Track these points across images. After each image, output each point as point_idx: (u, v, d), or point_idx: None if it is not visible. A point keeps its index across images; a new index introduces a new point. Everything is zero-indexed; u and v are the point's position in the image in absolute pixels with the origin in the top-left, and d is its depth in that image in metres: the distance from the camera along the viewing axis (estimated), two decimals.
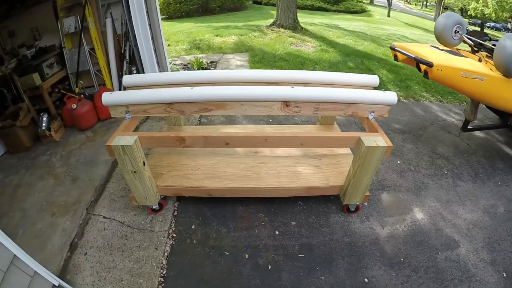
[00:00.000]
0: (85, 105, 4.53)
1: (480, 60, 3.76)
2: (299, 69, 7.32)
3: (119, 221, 3.09)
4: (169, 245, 2.87)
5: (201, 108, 2.63)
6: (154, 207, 3.10)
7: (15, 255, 1.95)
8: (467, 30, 4.13)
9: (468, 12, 36.58)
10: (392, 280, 2.65)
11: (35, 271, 2.10)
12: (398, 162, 4.12)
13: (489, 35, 4.16)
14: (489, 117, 5.40)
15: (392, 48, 4.04)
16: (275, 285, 2.58)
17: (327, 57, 8.48)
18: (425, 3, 61.07)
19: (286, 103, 2.56)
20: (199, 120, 4.96)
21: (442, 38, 4.14)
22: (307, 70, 7.23)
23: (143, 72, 5.01)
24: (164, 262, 2.71)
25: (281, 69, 7.20)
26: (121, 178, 3.60)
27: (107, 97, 2.63)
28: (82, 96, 4.75)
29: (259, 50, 8.94)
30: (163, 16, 20.70)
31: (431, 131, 4.95)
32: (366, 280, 2.64)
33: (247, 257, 2.79)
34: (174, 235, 2.98)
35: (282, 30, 11.47)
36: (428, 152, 4.38)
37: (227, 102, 2.58)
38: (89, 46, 5.07)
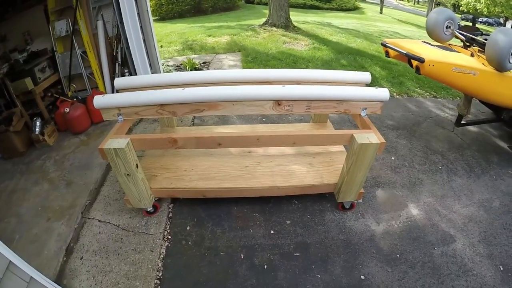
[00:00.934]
0: (78, 108, 4.51)
1: (472, 55, 3.77)
2: (292, 68, 7.31)
3: (114, 224, 3.08)
4: (164, 247, 2.86)
5: (193, 109, 2.62)
6: (148, 210, 3.09)
7: (10, 261, 1.94)
8: (459, 25, 4.14)
9: (461, 7, 36.61)
10: (389, 276, 2.65)
11: (31, 277, 2.09)
12: (392, 158, 4.13)
13: (481, 30, 4.17)
14: (483, 112, 5.41)
15: (384, 45, 4.04)
16: (271, 284, 2.58)
17: (319, 55, 8.48)
18: None
19: (278, 102, 2.56)
20: (193, 121, 4.95)
21: (433, 34, 4.15)
22: (300, 68, 7.23)
23: (136, 74, 4.99)
24: (160, 264, 2.70)
25: (274, 68, 7.20)
26: (115, 181, 3.58)
27: (99, 100, 2.62)
28: (75, 99, 4.72)
29: (252, 49, 8.93)
30: (155, 17, 20.68)
31: (425, 127, 4.97)
32: (362, 277, 2.65)
33: (242, 257, 2.79)
34: (169, 237, 2.97)
35: (274, 29, 11.46)
36: (422, 147, 4.39)
37: (218, 103, 2.57)
38: (81, 49, 5.04)
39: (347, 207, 3.24)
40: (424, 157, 4.19)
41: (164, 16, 21.82)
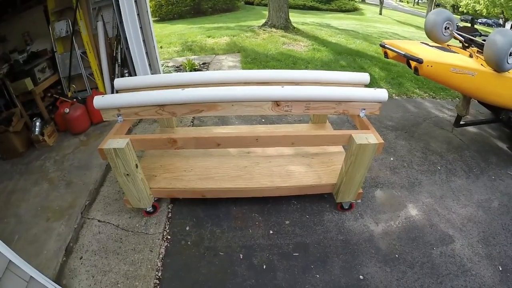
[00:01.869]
0: (78, 109, 4.52)
1: (471, 56, 3.78)
2: (291, 69, 7.32)
3: (113, 225, 3.09)
4: (163, 247, 2.87)
5: (192, 110, 2.63)
6: (148, 210, 3.10)
7: (10, 260, 1.95)
8: (457, 26, 4.15)
9: (460, 8, 36.67)
10: (388, 276, 2.66)
11: (31, 276, 2.10)
12: (391, 159, 4.14)
13: (479, 31, 4.18)
14: (482, 112, 5.42)
15: (382, 46, 4.05)
16: (270, 284, 2.58)
17: (319, 56, 8.50)
18: (417, 0, 61.16)
19: (277, 102, 2.57)
20: (192, 122, 4.96)
21: (432, 35, 4.16)
22: (299, 69, 7.24)
23: (135, 75, 5.00)
24: (159, 264, 2.71)
25: (274, 69, 7.20)
26: (115, 181, 3.59)
27: (98, 101, 2.63)
28: (74, 100, 4.73)
29: (251, 50, 8.94)
30: (155, 18, 20.68)
31: (424, 128, 4.97)
32: (361, 277, 2.65)
33: (241, 257, 2.80)
34: (169, 237, 2.98)
35: (274, 30, 11.46)
36: (421, 148, 4.40)
37: (218, 103, 2.58)
38: (81, 49, 5.05)
39: (346, 207, 3.24)
40: (423, 157, 4.20)
41: (163, 17, 21.82)
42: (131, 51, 4.87)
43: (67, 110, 4.40)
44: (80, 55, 5.06)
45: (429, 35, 4.20)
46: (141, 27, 4.92)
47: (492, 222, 3.24)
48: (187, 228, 3.07)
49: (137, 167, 2.69)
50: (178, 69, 7.46)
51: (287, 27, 11.68)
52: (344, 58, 8.45)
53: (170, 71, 7.26)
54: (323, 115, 3.91)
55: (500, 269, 2.75)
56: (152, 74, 5.31)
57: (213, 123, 4.98)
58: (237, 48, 9.22)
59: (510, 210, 3.39)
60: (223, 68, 7.61)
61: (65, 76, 5.12)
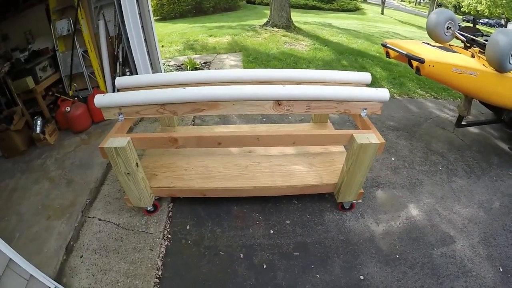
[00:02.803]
0: (79, 107, 4.52)
1: (473, 56, 3.77)
2: (293, 68, 7.31)
3: (114, 223, 3.09)
4: (164, 246, 2.87)
5: (193, 109, 2.63)
6: (148, 209, 3.10)
7: (10, 258, 1.95)
8: (459, 26, 4.14)
9: (462, 8, 36.58)
10: (388, 277, 2.65)
11: (31, 275, 2.10)
12: (393, 159, 4.13)
13: (481, 31, 4.17)
14: (483, 113, 5.41)
15: (384, 45, 4.04)
16: (270, 284, 2.58)
17: (320, 56, 8.49)
18: (419, 0, 61.05)
19: (278, 102, 2.57)
20: (193, 121, 4.96)
21: (434, 35, 4.15)
22: (301, 69, 7.23)
23: (137, 74, 5.00)
24: (160, 263, 2.71)
25: (275, 68, 7.20)
26: (115, 180, 3.59)
27: (99, 99, 2.63)
28: (76, 98, 4.73)
29: (253, 49, 8.93)
30: (156, 17, 20.67)
31: (425, 128, 4.97)
32: (361, 277, 2.65)
33: (242, 256, 2.79)
34: (169, 236, 2.98)
35: (275, 29, 11.46)
36: (423, 148, 4.39)
37: (219, 102, 2.58)
38: (82, 48, 5.05)
39: (347, 207, 3.24)
40: (424, 157, 4.19)
41: (165, 16, 21.85)
42: (132, 50, 4.87)
43: (68, 108, 4.40)
44: (82, 53, 5.06)
45: (431, 35, 4.20)
46: (142, 26, 4.92)
47: (493, 223, 3.23)
48: (188, 227, 3.07)
49: (138, 166, 2.69)
50: (180, 68, 7.46)
51: (288, 26, 11.68)
52: (346, 57, 8.44)
53: (171, 70, 7.27)
54: (324, 115, 3.91)
55: (501, 270, 2.74)
56: (153, 73, 5.31)
57: (214, 122, 4.98)
58: (238, 47, 9.22)
59: (511, 211, 3.38)
60: (225, 67, 7.61)
61: (67, 75, 5.12)
